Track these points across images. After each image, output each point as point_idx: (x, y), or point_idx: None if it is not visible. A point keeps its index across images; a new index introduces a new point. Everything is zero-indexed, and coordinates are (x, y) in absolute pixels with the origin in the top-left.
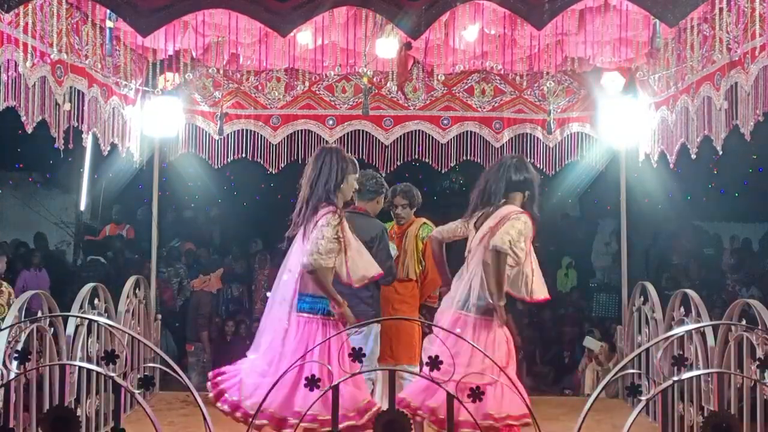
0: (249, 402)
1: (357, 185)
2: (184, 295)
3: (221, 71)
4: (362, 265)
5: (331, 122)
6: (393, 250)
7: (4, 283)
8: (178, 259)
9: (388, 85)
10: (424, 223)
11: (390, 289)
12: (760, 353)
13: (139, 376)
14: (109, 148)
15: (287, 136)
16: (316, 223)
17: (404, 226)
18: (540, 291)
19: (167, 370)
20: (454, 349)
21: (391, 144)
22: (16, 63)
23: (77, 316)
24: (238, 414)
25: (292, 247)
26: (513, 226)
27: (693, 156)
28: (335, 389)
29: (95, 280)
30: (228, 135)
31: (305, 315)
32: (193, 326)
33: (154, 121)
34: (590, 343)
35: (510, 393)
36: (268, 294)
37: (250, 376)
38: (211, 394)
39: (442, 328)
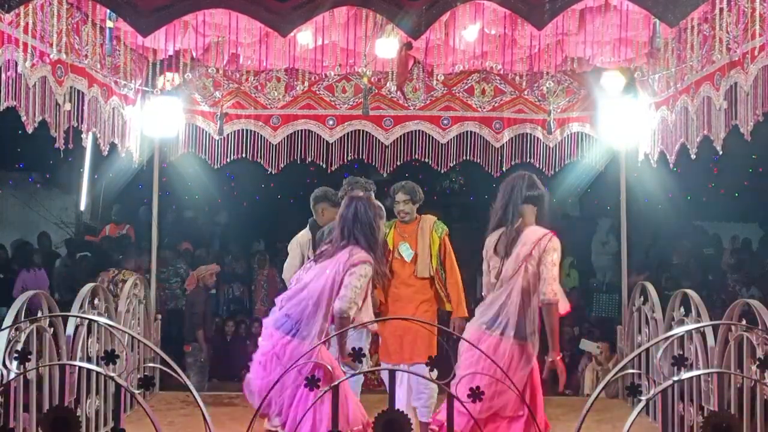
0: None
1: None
2: (185, 295)
3: (221, 71)
4: (366, 314)
5: (331, 122)
6: (408, 251)
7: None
8: (178, 259)
9: (388, 85)
10: (436, 220)
11: (410, 289)
12: (760, 353)
13: (139, 376)
14: (108, 148)
15: (287, 136)
16: (353, 267)
17: (412, 223)
18: (564, 304)
19: (167, 370)
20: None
21: (391, 144)
22: (16, 63)
23: (77, 316)
24: None
25: (311, 265)
26: (553, 263)
27: (693, 156)
28: (335, 389)
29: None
30: (228, 135)
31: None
32: (188, 326)
33: (154, 121)
34: (586, 345)
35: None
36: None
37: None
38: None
39: (467, 341)
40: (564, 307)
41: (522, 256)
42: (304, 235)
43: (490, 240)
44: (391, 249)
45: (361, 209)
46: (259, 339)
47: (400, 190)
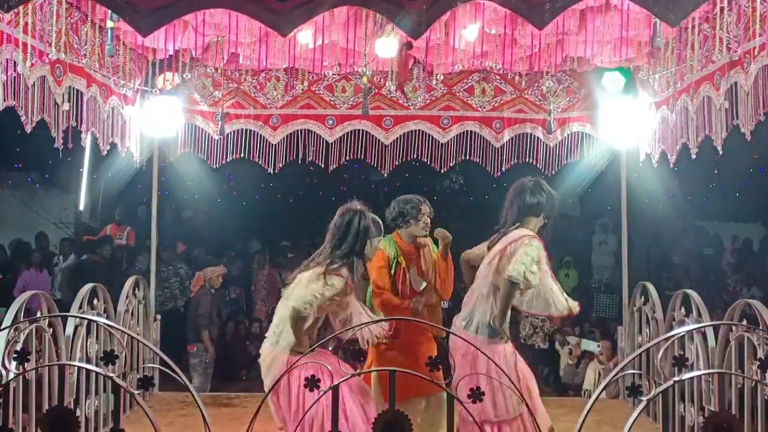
0: None
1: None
2: (185, 295)
3: (221, 71)
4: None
5: (330, 122)
6: (416, 280)
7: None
8: (177, 259)
9: (387, 84)
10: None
11: (425, 316)
12: (760, 353)
13: (138, 376)
14: (108, 148)
15: (287, 136)
16: (324, 276)
17: (420, 242)
18: (568, 304)
19: (167, 370)
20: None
21: (391, 144)
22: (15, 63)
23: (76, 317)
24: None
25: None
26: (526, 254)
27: (693, 156)
28: (335, 390)
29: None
30: (227, 135)
31: None
32: (192, 326)
33: (154, 120)
34: (588, 345)
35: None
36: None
37: None
38: None
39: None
40: (573, 306)
41: (496, 251)
42: None
43: (483, 244)
44: (402, 267)
45: (355, 222)
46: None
47: (424, 203)
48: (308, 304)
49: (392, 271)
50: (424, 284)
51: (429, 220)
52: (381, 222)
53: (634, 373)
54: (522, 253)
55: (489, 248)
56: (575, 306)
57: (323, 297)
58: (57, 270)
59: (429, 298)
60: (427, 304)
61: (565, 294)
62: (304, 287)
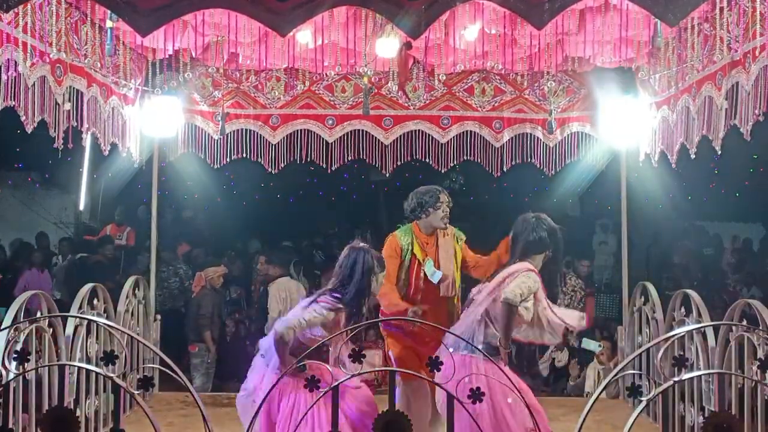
0: None
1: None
2: (184, 295)
3: (221, 71)
4: None
5: (330, 122)
6: (431, 269)
7: None
8: (177, 259)
9: (388, 84)
10: (455, 229)
11: (448, 311)
12: (760, 353)
13: (138, 376)
14: (108, 148)
15: (287, 136)
16: (315, 303)
17: (439, 232)
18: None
19: (167, 370)
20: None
21: (391, 144)
22: (15, 62)
23: (76, 317)
24: None
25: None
26: (524, 282)
27: (692, 156)
28: (335, 390)
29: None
30: (227, 135)
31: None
32: (194, 326)
33: (154, 120)
34: (588, 344)
35: None
36: None
37: None
38: None
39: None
40: (574, 325)
41: (495, 282)
42: None
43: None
44: (419, 261)
45: (359, 262)
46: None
47: (443, 192)
48: (291, 330)
49: (407, 263)
50: (440, 276)
51: (448, 210)
52: (383, 258)
53: (634, 373)
54: (520, 281)
55: (489, 279)
56: (577, 324)
57: (307, 323)
58: (56, 270)
59: (448, 291)
60: (445, 296)
61: (568, 312)
62: (294, 313)
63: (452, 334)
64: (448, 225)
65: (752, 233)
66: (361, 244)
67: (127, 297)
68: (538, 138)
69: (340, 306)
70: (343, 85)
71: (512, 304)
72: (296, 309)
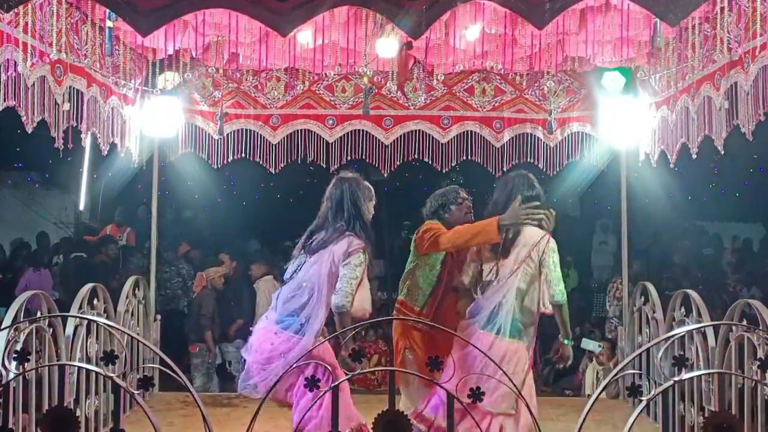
0: None
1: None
2: (187, 295)
3: (221, 71)
4: (366, 298)
5: (331, 122)
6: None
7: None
8: (179, 259)
9: (388, 84)
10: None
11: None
12: (760, 353)
13: (138, 376)
14: (108, 148)
15: (287, 136)
16: (348, 257)
17: None
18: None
19: (167, 370)
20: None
21: (391, 144)
22: (15, 62)
23: (76, 317)
24: None
25: (304, 259)
26: (554, 263)
27: (693, 156)
28: (335, 390)
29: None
30: (227, 135)
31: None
32: (195, 327)
33: (154, 120)
34: (588, 344)
35: None
36: None
37: None
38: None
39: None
40: (556, 302)
41: (520, 257)
42: None
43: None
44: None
45: (347, 191)
46: (249, 345)
47: (462, 189)
48: (350, 295)
49: (438, 267)
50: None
51: (470, 204)
52: (372, 187)
53: (634, 373)
54: (552, 265)
55: (502, 246)
56: (557, 301)
57: (358, 277)
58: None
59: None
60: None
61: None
62: (340, 280)
63: (453, 334)
64: (471, 220)
65: (752, 233)
66: (349, 175)
67: (127, 297)
68: (538, 138)
69: (362, 243)
70: (343, 85)
71: (563, 304)
72: (324, 271)
